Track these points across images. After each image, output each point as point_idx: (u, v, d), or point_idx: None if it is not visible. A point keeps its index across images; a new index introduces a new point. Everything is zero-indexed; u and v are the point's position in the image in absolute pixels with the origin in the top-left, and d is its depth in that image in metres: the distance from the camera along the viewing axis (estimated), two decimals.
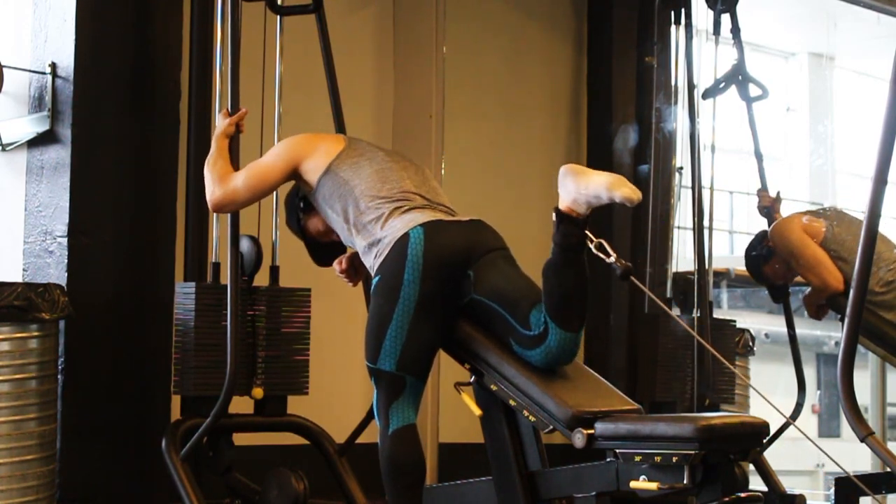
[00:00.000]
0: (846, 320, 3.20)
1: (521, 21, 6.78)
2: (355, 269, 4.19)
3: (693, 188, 6.07)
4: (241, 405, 4.65)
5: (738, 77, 6.08)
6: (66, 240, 4.74)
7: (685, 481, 3.38)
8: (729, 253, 12.70)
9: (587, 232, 3.52)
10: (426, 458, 3.83)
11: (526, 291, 3.69)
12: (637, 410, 3.65)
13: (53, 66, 4.87)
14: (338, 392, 5.77)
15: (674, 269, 6.33)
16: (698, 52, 6.30)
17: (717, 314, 6.37)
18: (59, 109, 4.85)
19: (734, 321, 6.30)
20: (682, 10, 6.29)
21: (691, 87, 6.18)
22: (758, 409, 4.95)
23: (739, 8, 6.13)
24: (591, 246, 3.52)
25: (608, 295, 6.51)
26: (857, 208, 6.49)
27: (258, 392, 4.63)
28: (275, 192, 4.57)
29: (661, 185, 6.47)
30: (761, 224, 5.96)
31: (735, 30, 6.14)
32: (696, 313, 5.89)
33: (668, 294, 6.15)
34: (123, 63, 4.91)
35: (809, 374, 12.09)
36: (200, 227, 4.93)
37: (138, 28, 4.93)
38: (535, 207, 6.61)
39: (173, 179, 5.00)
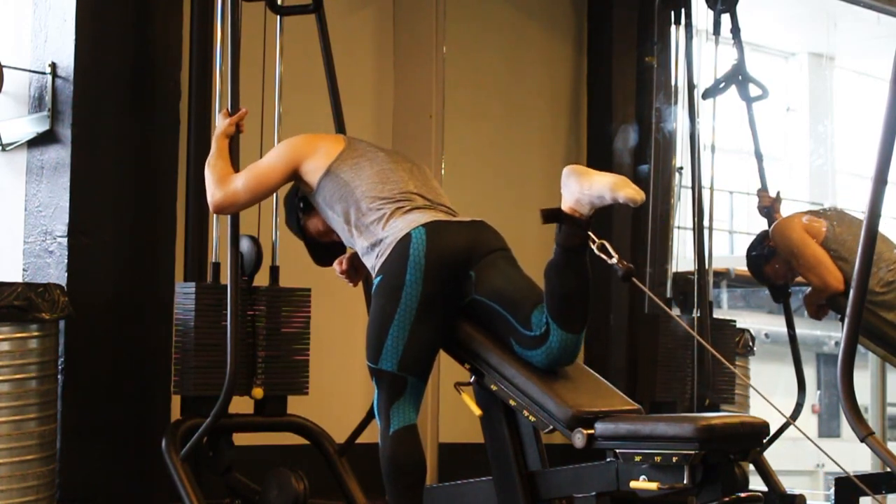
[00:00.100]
0: (846, 320, 3.20)
1: (521, 21, 6.78)
2: (355, 270, 4.19)
3: (693, 188, 6.07)
4: (241, 405, 4.65)
5: (738, 77, 6.08)
6: (66, 240, 4.74)
7: (685, 481, 3.38)
8: (729, 253, 12.71)
9: (590, 233, 3.52)
10: (426, 458, 3.82)
11: (527, 292, 3.69)
12: (637, 410, 3.65)
13: (53, 66, 4.87)
14: (338, 392, 5.77)
15: (674, 269, 6.33)
16: (698, 52, 6.30)
17: (717, 314, 6.37)
18: (59, 109, 4.85)
19: (734, 321, 6.30)
20: (682, 10, 6.29)
21: (691, 87, 6.18)
22: (758, 409, 4.95)
23: (739, 8, 6.13)
24: (594, 247, 3.52)
25: (608, 295, 6.51)
26: (857, 208, 6.50)
27: (258, 392, 4.63)
28: (274, 193, 4.57)
29: (661, 185, 6.47)
30: (761, 224, 5.96)
31: (735, 30, 6.14)
32: (696, 313, 5.89)
33: (668, 294, 6.15)
34: (123, 63, 4.91)
35: (809, 374, 12.09)
36: (200, 227, 4.93)
37: (138, 28, 4.94)
38: (535, 207, 6.54)
39: (173, 179, 5.00)
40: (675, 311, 6.00)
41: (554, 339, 3.58)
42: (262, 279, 4.75)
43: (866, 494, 4.58)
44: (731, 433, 3.48)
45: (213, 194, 4.18)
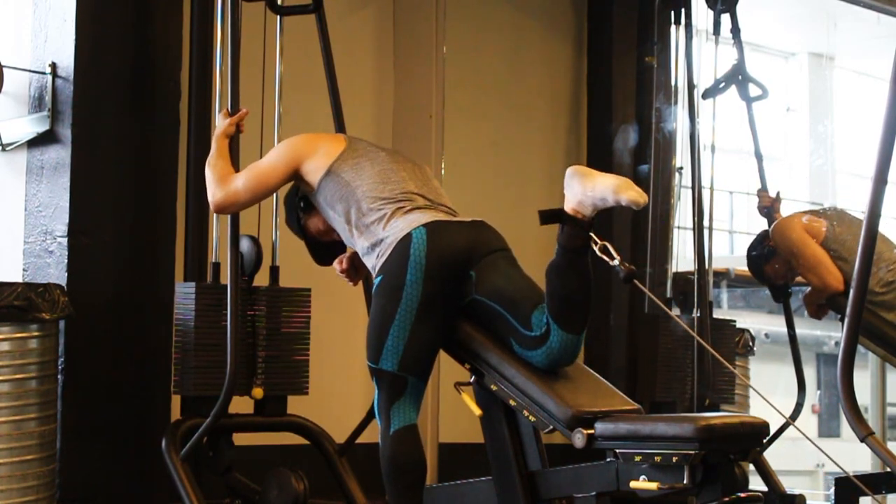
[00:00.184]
0: (846, 320, 3.20)
1: (521, 21, 6.78)
2: (356, 269, 4.19)
3: (693, 188, 6.07)
4: (241, 405, 4.65)
5: (738, 77, 6.08)
6: (66, 240, 4.74)
7: (685, 481, 3.38)
8: (729, 253, 12.70)
9: (592, 234, 3.52)
10: (426, 458, 3.82)
11: (527, 292, 3.69)
12: (637, 410, 3.65)
13: (53, 66, 4.87)
14: (338, 392, 5.77)
15: (674, 269, 6.33)
16: (698, 52, 6.30)
17: (717, 314, 6.37)
18: (59, 109, 4.85)
19: (734, 321, 6.30)
20: (682, 10, 6.30)
21: (691, 87, 6.18)
22: (758, 409, 4.95)
23: (739, 8, 6.13)
24: (596, 248, 3.52)
25: (608, 295, 6.51)
26: (857, 208, 6.49)
27: (258, 392, 4.63)
28: (274, 193, 4.57)
29: (661, 185, 6.47)
30: (761, 224, 5.96)
31: (735, 30, 6.14)
32: (696, 313, 5.89)
33: (668, 294, 6.15)
34: (123, 63, 4.91)
35: (809, 374, 12.09)
36: (200, 227, 4.93)
37: (138, 28, 4.93)
38: (535, 207, 6.56)
39: (173, 179, 5.00)
40: (675, 311, 6.00)
41: (554, 339, 3.58)
42: (262, 279, 4.75)
43: (866, 494, 4.58)
44: (731, 433, 3.48)
45: (213, 194, 4.18)
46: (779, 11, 12.66)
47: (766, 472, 5.16)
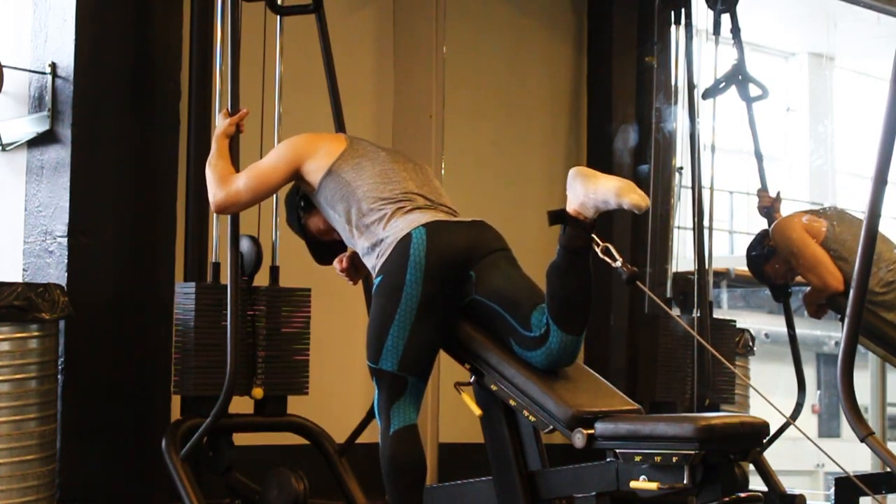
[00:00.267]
0: (846, 320, 3.20)
1: (521, 21, 6.78)
2: (356, 268, 4.19)
3: (693, 188, 6.07)
4: (241, 405, 4.65)
5: (738, 77, 6.08)
6: (66, 240, 4.74)
7: (685, 481, 3.38)
8: (729, 253, 12.71)
9: (594, 235, 3.52)
10: (426, 458, 3.82)
11: (527, 293, 3.69)
12: (637, 410, 3.65)
13: (53, 66, 4.87)
14: (338, 392, 5.77)
15: (674, 269, 6.33)
16: (698, 52, 6.30)
17: (717, 314, 6.37)
18: (59, 109, 4.85)
19: (734, 321, 6.30)
20: (682, 10, 6.29)
21: (691, 87, 6.18)
22: (758, 409, 4.95)
23: (739, 8, 6.13)
24: (598, 250, 3.51)
25: (608, 295, 6.51)
26: (857, 208, 6.49)
27: (258, 392, 4.63)
28: (275, 193, 4.57)
29: (661, 185, 6.47)
30: (761, 224, 5.96)
31: (735, 30, 6.14)
32: (696, 313, 5.88)
33: (668, 294, 6.15)
34: (123, 63, 4.91)
35: (809, 374, 12.08)
36: (200, 227, 4.93)
37: (138, 28, 4.94)
38: (535, 207, 6.60)
39: (173, 179, 5.00)
40: (675, 311, 6.00)
41: (554, 340, 3.58)
42: (262, 279, 4.75)
43: (866, 494, 4.58)
44: (731, 433, 3.48)
45: (214, 194, 4.18)
46: (779, 11, 12.66)
47: (766, 472, 5.16)
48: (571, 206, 3.52)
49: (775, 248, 5.76)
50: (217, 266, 4.68)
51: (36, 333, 4.39)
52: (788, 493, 5.10)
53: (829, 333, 13.82)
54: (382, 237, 3.80)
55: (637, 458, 3.45)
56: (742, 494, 3.56)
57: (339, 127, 4.91)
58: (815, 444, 3.87)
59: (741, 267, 6.93)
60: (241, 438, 4.67)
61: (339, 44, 5.13)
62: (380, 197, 3.88)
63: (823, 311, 5.73)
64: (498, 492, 3.78)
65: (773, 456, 5.32)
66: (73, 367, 4.69)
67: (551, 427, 3.58)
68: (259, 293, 4.69)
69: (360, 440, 4.90)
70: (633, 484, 3.46)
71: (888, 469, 3.50)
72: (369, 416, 4.82)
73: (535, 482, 3.74)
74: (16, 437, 4.33)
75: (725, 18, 6.15)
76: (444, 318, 3.74)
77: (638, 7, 6.72)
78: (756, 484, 5.32)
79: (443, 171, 6.06)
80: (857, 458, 7.52)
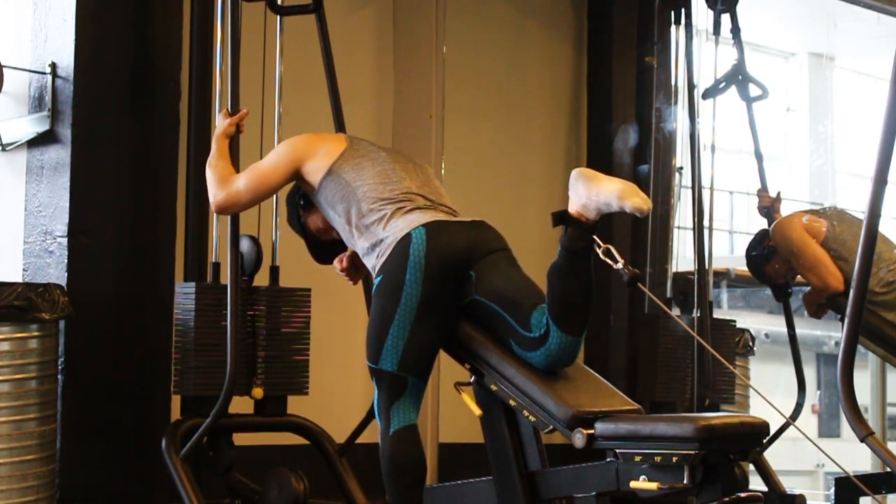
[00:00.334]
0: (846, 320, 3.20)
1: (521, 21, 6.78)
2: (356, 268, 4.19)
3: (693, 188, 6.07)
4: (241, 405, 4.65)
5: (738, 77, 6.08)
6: (66, 240, 4.74)
7: (685, 481, 3.38)
8: (729, 253, 12.70)
9: (595, 237, 3.52)
10: (426, 458, 3.82)
11: (527, 293, 3.69)
12: (637, 410, 3.65)
13: (53, 66, 4.87)
14: (338, 392, 5.77)
15: (674, 269, 6.33)
16: (698, 52, 6.30)
17: (717, 314, 6.37)
18: (59, 109, 4.85)
19: (734, 321, 6.30)
20: (682, 10, 6.29)
21: (691, 87, 6.18)
22: (758, 409, 4.95)
23: (739, 8, 6.13)
24: (599, 251, 3.51)
25: (608, 295, 6.51)
26: (857, 208, 6.49)
27: (258, 392, 4.63)
28: (275, 193, 4.57)
29: (661, 185, 6.47)
30: (761, 224, 5.96)
31: (735, 30, 6.14)
32: (696, 313, 5.88)
33: (668, 294, 6.15)
34: (123, 63, 4.91)
35: (809, 374, 12.08)
36: (200, 227, 4.93)
37: (138, 28, 4.94)
38: (535, 207, 6.61)
39: (173, 179, 5.00)
40: (675, 311, 6.00)
41: (553, 340, 3.58)
42: (262, 279, 4.75)
43: (866, 494, 4.58)
44: (731, 433, 3.48)
45: (214, 195, 4.18)
46: (779, 11, 12.66)
47: (766, 472, 5.16)
48: (573, 208, 3.52)
49: (775, 247, 5.76)
50: (217, 266, 4.68)
51: (36, 333, 4.39)
52: (788, 493, 5.10)
53: (829, 333, 13.82)
54: (382, 237, 3.80)
55: (637, 458, 3.45)
56: (742, 494, 3.56)
57: (339, 127, 4.91)
58: (815, 444, 3.87)
59: (741, 267, 6.93)
60: (241, 438, 4.67)
61: (339, 44, 5.13)
62: (380, 197, 3.88)
63: (823, 311, 5.73)
64: (498, 492, 3.78)
65: (773, 456, 5.32)
66: (73, 367, 4.69)
67: (551, 427, 3.58)
68: (259, 293, 4.69)
69: (360, 440, 4.90)
70: (633, 484, 3.46)
71: (888, 469, 3.50)
72: (369, 416, 4.82)
73: (535, 482, 3.74)
74: (16, 437, 4.33)
75: (725, 18, 6.15)
76: (444, 318, 3.74)
77: (638, 7, 6.72)
78: (756, 484, 5.32)
79: (443, 171, 6.06)
80: (857, 458, 7.52)
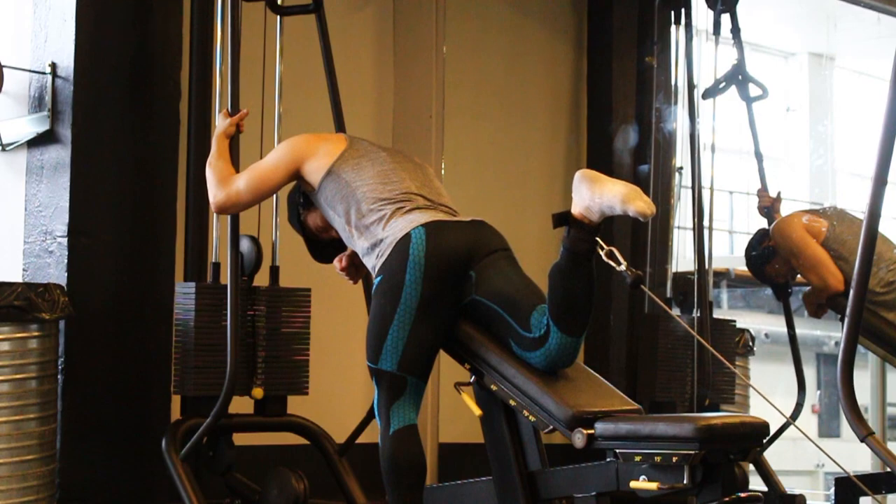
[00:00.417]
0: (846, 320, 3.20)
1: (521, 21, 6.78)
2: (356, 268, 4.19)
3: (693, 188, 6.07)
4: (241, 405, 4.65)
5: (738, 77, 6.08)
6: (66, 240, 4.74)
7: (685, 481, 3.38)
8: (729, 253, 12.70)
9: (598, 239, 3.51)
10: (426, 458, 3.82)
11: (527, 293, 3.69)
12: (637, 410, 3.64)
13: (53, 66, 4.87)
14: (338, 392, 5.77)
15: (674, 269, 6.33)
16: (698, 52, 6.30)
17: (717, 314, 6.37)
18: (59, 109, 4.85)
19: (734, 321, 6.30)
20: (682, 10, 6.29)
21: (691, 87, 6.18)
22: (758, 409, 4.96)
23: (739, 8, 6.14)
24: (602, 253, 3.51)
25: (608, 295, 6.51)
26: (857, 208, 6.50)
27: (258, 392, 4.63)
28: (275, 193, 4.57)
29: (661, 185, 6.46)
30: (761, 224, 5.97)
31: (735, 30, 6.14)
32: (696, 313, 5.89)
33: (668, 294, 6.15)
34: (123, 63, 4.91)
35: (809, 374, 12.09)
36: (200, 227, 4.93)
37: (138, 28, 4.94)
38: (535, 207, 6.61)
39: (173, 179, 5.00)
40: (675, 311, 6.01)
41: (553, 341, 3.58)
42: (262, 279, 4.75)
43: (866, 494, 4.58)
44: (731, 433, 3.48)
45: (215, 195, 4.17)
46: (779, 11, 12.66)
47: (766, 472, 5.16)
48: (576, 209, 3.51)
49: (775, 247, 5.76)
50: (217, 266, 4.68)
51: (36, 333, 4.39)
52: (788, 493, 5.11)
53: (829, 333, 13.83)
54: (382, 237, 3.80)
55: (637, 458, 3.45)
56: (742, 494, 3.56)
57: (339, 127, 4.91)
58: (815, 444, 3.87)
59: (741, 267, 6.92)
60: (241, 438, 4.67)
61: (339, 44, 5.13)
62: (379, 197, 3.88)
63: (823, 311, 5.73)
64: (498, 492, 3.78)
65: (773, 456, 5.32)
66: (73, 367, 4.69)
67: (551, 427, 3.58)
68: (259, 293, 4.69)
69: (360, 440, 4.90)
70: (633, 484, 3.46)
71: (888, 469, 3.50)
72: (369, 416, 4.82)
73: (535, 482, 3.74)
74: (16, 437, 4.34)
75: (725, 18, 6.15)
76: (444, 319, 3.74)
77: (638, 7, 6.72)
78: (756, 484, 5.33)
79: (443, 171, 6.06)
80: (857, 458, 7.52)
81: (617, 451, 3.50)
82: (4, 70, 4.90)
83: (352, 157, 4.00)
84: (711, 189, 6.19)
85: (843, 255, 5.50)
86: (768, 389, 3.99)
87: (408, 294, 3.69)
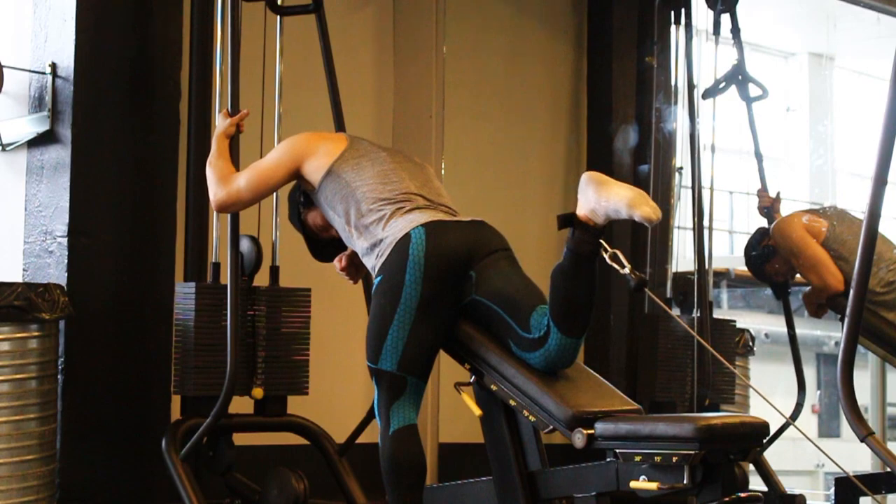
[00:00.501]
0: (846, 320, 3.20)
1: (521, 21, 6.78)
2: (356, 267, 4.19)
3: (693, 188, 6.07)
4: (241, 405, 4.65)
5: (738, 77, 6.08)
6: (66, 240, 4.74)
7: (685, 481, 3.38)
8: (729, 253, 12.70)
9: (602, 241, 3.51)
10: (426, 458, 3.82)
11: (527, 294, 3.68)
12: (637, 410, 3.64)
13: (53, 66, 4.87)
14: (338, 392, 5.77)
15: (674, 269, 6.33)
16: (698, 52, 6.30)
17: (717, 314, 6.37)
18: (59, 109, 4.85)
19: (734, 321, 6.30)
20: (682, 10, 6.30)
21: (691, 87, 6.18)
22: (758, 409, 4.96)
23: (739, 8, 6.14)
24: (606, 256, 3.50)
25: (608, 295, 6.51)
26: (857, 208, 6.50)
27: (258, 392, 4.63)
28: (275, 192, 4.57)
29: (661, 185, 6.46)
30: (761, 224, 5.96)
31: (735, 30, 6.14)
32: (696, 313, 5.89)
33: (668, 294, 6.15)
34: (123, 63, 4.91)
35: (809, 374, 12.09)
36: (200, 227, 4.93)
37: (138, 28, 4.94)
38: (535, 207, 6.61)
39: (173, 179, 5.00)
40: (675, 311, 6.01)
41: (553, 342, 3.57)
42: (262, 279, 4.75)
43: (866, 494, 4.58)
44: (731, 433, 3.48)
45: (215, 193, 4.17)
46: (779, 11, 12.67)
47: (766, 472, 5.16)
48: (581, 211, 3.50)
49: (775, 246, 5.76)
50: (217, 266, 4.68)
51: (36, 333, 4.39)
52: (788, 493, 5.11)
53: (829, 333, 13.83)
54: (382, 237, 3.80)
55: (637, 458, 3.45)
56: (742, 494, 3.56)
57: (339, 127, 4.91)
58: (815, 444, 3.87)
59: (741, 267, 6.92)
60: (241, 438, 4.67)
61: (339, 44, 5.13)
62: (379, 197, 3.88)
63: (824, 311, 5.73)
64: (498, 492, 3.78)
65: (773, 456, 5.32)
66: (73, 367, 4.69)
67: (551, 427, 3.58)
68: (259, 293, 4.69)
69: (360, 440, 4.90)
70: (633, 484, 3.46)
71: (888, 469, 3.50)
72: (369, 416, 4.82)
73: (535, 482, 3.74)
74: (16, 437, 4.34)
75: (725, 18, 6.15)
76: (444, 319, 3.74)
77: (638, 7, 6.72)
78: (756, 484, 5.33)
79: (443, 171, 6.06)
80: (857, 458, 7.52)
81: (617, 451, 3.50)
82: (4, 70, 4.90)
83: (352, 156, 4.00)
84: (711, 189, 6.19)
85: (843, 255, 5.50)
86: (768, 389, 3.99)
87: (407, 294, 3.69)
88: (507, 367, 3.66)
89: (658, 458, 3.40)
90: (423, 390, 3.78)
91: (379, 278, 3.76)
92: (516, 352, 3.65)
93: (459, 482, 4.00)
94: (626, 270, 3.48)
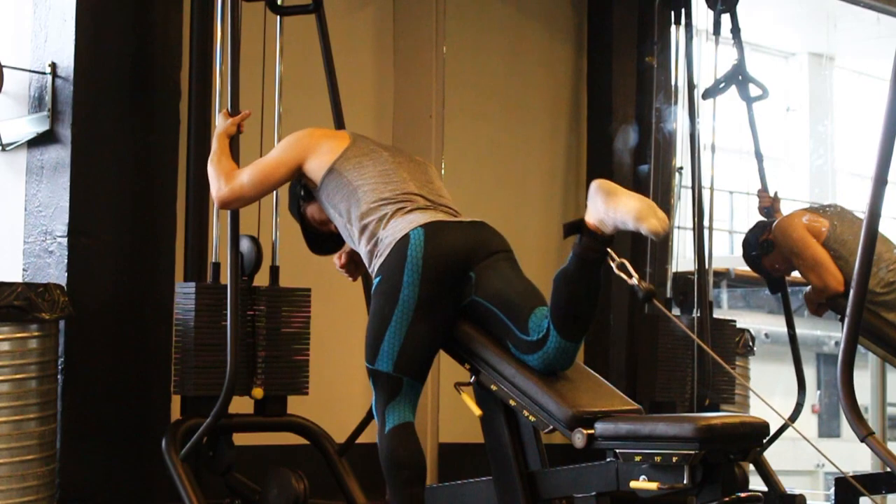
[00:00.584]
0: (846, 320, 3.20)
1: (521, 21, 6.78)
2: (355, 265, 4.19)
3: (693, 188, 6.07)
4: (241, 405, 4.65)
5: (738, 77, 6.08)
6: (66, 240, 4.74)
7: (685, 481, 3.38)
8: (729, 253, 12.71)
9: (609, 250, 3.50)
10: (426, 458, 3.82)
11: (526, 296, 3.68)
12: (637, 410, 3.64)
13: (53, 66, 4.87)
14: (338, 392, 5.77)
15: (674, 269, 6.33)
16: (698, 52, 6.30)
17: (717, 314, 6.37)
18: (59, 109, 4.85)
19: (734, 321, 6.30)
20: (682, 10, 6.29)
21: (691, 87, 6.18)
22: (758, 410, 4.96)
23: (739, 8, 6.14)
24: (613, 265, 3.49)
25: (608, 295, 6.50)
26: (857, 208, 6.50)
27: (258, 392, 4.63)
28: (275, 191, 4.57)
29: (661, 185, 6.46)
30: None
31: (735, 30, 6.14)
32: (696, 313, 5.89)
33: (668, 294, 6.15)
34: (123, 63, 4.91)
35: (809, 374, 12.09)
36: (200, 227, 4.93)
37: (138, 28, 4.94)
38: (535, 208, 6.61)
39: (173, 179, 5.00)
40: (675, 312, 6.00)
41: (552, 344, 3.57)
42: (262, 279, 4.75)
43: (866, 494, 4.58)
44: (731, 433, 3.48)
45: (218, 189, 4.17)
46: (779, 11, 12.67)
47: (766, 472, 5.16)
48: (590, 219, 3.49)
49: (776, 245, 5.76)
50: (217, 266, 4.68)
51: (36, 333, 4.39)
52: (788, 493, 5.10)
53: (829, 333, 13.83)
54: (381, 237, 3.80)
55: (637, 458, 3.45)
56: (742, 494, 3.56)
57: (339, 127, 4.91)
58: (813, 446, 3.86)
59: (741, 267, 6.93)
60: (241, 438, 4.67)
61: (339, 44, 5.13)
62: (380, 197, 3.88)
63: (824, 310, 5.73)
64: (498, 492, 3.78)
65: (773, 456, 5.32)
66: (73, 367, 4.69)
67: (551, 427, 3.57)
68: (259, 293, 4.69)
69: (360, 440, 4.90)
70: (633, 484, 3.46)
71: (888, 469, 3.50)
72: (369, 416, 4.82)
73: (535, 482, 3.73)
74: (16, 437, 4.34)
75: (725, 18, 6.15)
76: (443, 320, 3.74)
77: (638, 7, 6.72)
78: (756, 484, 5.32)
79: (443, 171, 6.06)
80: (857, 458, 7.52)
81: (617, 451, 3.50)
82: (4, 70, 4.90)
83: (354, 155, 4.00)
84: (711, 189, 6.19)
85: (844, 256, 5.50)
86: (768, 389, 4.00)
87: (405, 295, 3.68)
88: (507, 367, 3.66)
89: (658, 458, 3.40)
90: (419, 391, 3.78)
91: (378, 279, 3.76)
92: (515, 353, 3.65)
93: (459, 482, 3.99)
94: (634, 281, 3.47)
